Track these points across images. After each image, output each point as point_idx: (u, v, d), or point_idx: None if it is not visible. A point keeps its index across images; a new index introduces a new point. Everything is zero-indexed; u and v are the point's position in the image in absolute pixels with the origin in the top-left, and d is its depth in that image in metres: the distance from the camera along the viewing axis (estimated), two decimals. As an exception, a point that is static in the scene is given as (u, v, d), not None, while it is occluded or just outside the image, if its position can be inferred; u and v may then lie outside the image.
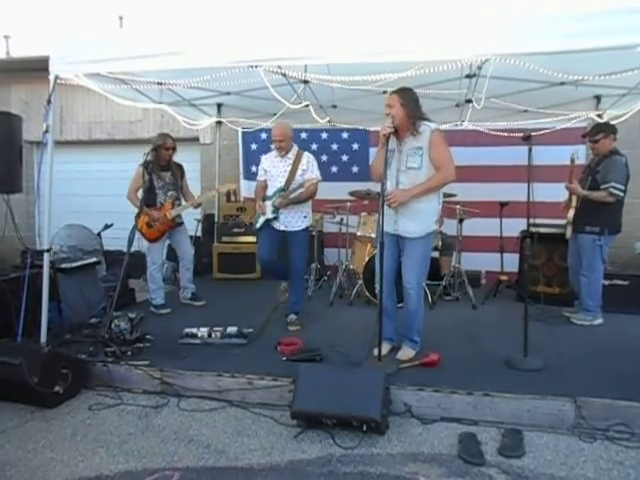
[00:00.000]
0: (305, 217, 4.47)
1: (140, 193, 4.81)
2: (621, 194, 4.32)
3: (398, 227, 3.54)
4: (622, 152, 4.48)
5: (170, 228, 4.99)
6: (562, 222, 4.73)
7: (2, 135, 3.88)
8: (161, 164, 4.92)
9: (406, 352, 3.68)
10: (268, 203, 4.42)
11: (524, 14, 3.00)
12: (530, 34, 2.96)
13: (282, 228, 4.42)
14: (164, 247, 5.13)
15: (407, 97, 3.48)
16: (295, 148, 4.50)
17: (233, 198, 6.95)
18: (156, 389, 3.46)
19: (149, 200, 4.81)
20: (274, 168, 4.47)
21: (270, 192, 4.47)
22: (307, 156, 4.47)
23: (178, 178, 5.09)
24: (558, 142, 5.81)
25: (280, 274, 4.71)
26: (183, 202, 5.11)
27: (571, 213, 4.49)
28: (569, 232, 4.60)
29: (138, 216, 4.59)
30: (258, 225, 4.51)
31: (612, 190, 4.28)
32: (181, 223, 5.11)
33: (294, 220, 4.42)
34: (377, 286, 3.66)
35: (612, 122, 5.22)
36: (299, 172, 4.38)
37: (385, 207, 3.44)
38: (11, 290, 3.90)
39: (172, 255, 5.26)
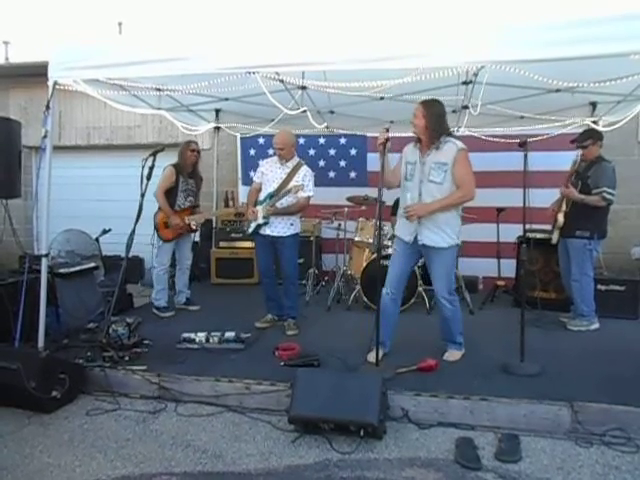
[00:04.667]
0: (292, 224, 4.47)
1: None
2: (613, 199, 4.40)
3: (422, 237, 3.58)
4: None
5: (185, 231, 5.14)
6: (549, 227, 4.76)
7: (1, 140, 3.90)
8: (187, 169, 5.11)
9: (452, 354, 3.80)
10: (260, 208, 4.44)
11: (519, 22, 3.02)
12: (525, 42, 2.99)
13: (268, 232, 4.44)
14: (172, 250, 5.18)
15: (431, 110, 3.54)
16: (296, 159, 4.54)
17: (231, 204, 6.97)
18: (154, 394, 3.46)
19: (169, 200, 4.99)
20: (271, 172, 4.50)
21: (262, 197, 4.49)
22: (305, 170, 4.49)
23: (199, 188, 5.35)
24: (554, 148, 5.84)
25: (272, 292, 4.66)
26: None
27: (562, 218, 4.52)
28: (556, 237, 4.64)
29: (156, 214, 4.95)
30: (250, 230, 4.54)
31: (605, 195, 4.36)
32: (196, 230, 5.32)
33: (280, 226, 4.43)
34: (385, 290, 3.73)
35: (608, 129, 5.30)
36: (292, 182, 4.40)
37: (403, 217, 3.60)
38: (9, 295, 3.91)
39: (171, 259, 5.31)
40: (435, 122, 3.52)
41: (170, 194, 5.02)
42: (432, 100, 3.61)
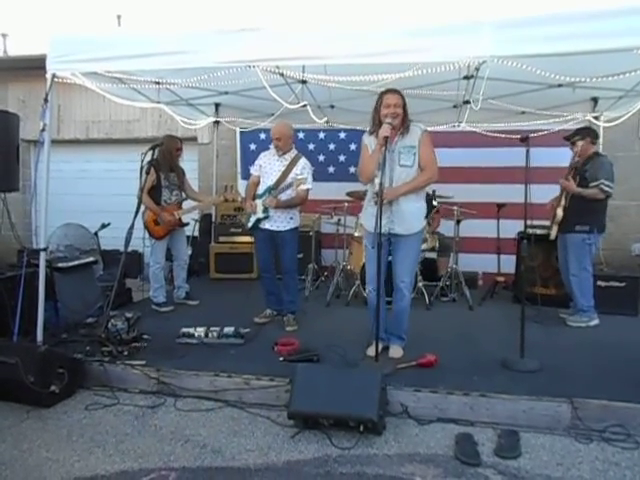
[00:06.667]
0: (292, 218, 4.45)
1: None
2: (611, 191, 4.43)
3: (394, 226, 3.57)
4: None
5: (176, 226, 5.10)
6: (548, 223, 4.76)
7: (-1, 134, 3.87)
8: (166, 165, 5.01)
9: (397, 351, 3.73)
10: (259, 202, 4.42)
11: (521, 16, 3.00)
12: (527, 36, 2.97)
13: (268, 227, 4.42)
14: (166, 246, 5.16)
15: (404, 98, 3.56)
16: (294, 151, 4.51)
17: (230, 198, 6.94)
18: (153, 389, 3.45)
19: (154, 198, 4.92)
20: (269, 165, 4.47)
21: (261, 190, 4.46)
22: (304, 162, 4.46)
23: (181, 179, 5.23)
24: (555, 144, 5.81)
25: (271, 287, 4.64)
26: (191, 203, 5.28)
27: (560, 213, 4.52)
28: (554, 232, 4.64)
29: (144, 213, 4.80)
30: (250, 224, 4.52)
31: (603, 187, 4.39)
32: (187, 223, 5.27)
33: (280, 220, 4.41)
34: (368, 287, 3.73)
35: (609, 124, 5.37)
36: (291, 175, 4.37)
37: (377, 209, 3.48)
38: (7, 289, 3.89)
39: (168, 255, 5.31)
40: (406, 109, 3.56)
41: (153, 192, 4.92)
42: (396, 89, 3.61)
